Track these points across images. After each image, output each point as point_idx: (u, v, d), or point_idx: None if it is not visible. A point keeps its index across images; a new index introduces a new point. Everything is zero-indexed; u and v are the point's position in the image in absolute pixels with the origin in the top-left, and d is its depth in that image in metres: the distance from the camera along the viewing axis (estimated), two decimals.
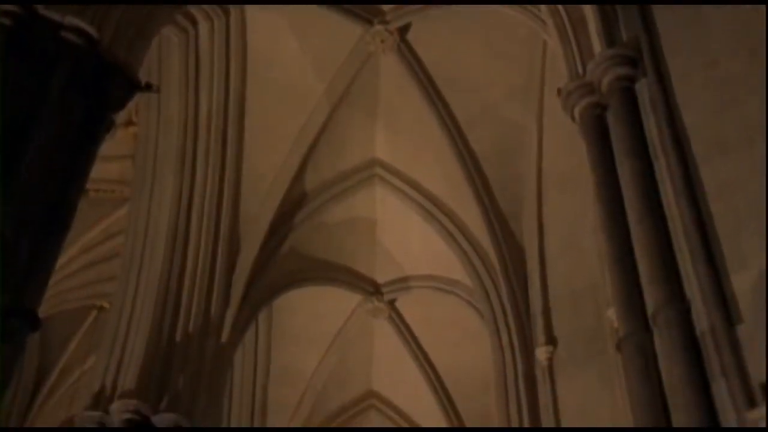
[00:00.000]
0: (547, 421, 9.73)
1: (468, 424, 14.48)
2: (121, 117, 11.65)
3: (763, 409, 4.65)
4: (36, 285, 5.94)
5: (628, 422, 8.27)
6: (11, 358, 5.67)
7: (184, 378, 9.91)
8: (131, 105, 11.66)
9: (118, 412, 9.21)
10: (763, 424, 4.62)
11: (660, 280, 5.74)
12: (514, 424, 10.06)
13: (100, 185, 12.63)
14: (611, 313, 8.63)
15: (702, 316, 5.34)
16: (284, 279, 12.38)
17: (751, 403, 4.77)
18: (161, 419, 9.42)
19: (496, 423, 11.61)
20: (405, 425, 15.36)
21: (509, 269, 11.25)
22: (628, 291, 6.05)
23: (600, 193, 6.80)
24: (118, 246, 11.92)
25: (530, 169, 11.12)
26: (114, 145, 11.63)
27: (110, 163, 12.21)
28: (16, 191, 5.78)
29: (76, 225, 10.95)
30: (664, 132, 6.27)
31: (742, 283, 5.20)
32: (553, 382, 9.97)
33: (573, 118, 7.29)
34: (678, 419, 5.18)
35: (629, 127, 6.60)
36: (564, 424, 9.55)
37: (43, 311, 6.17)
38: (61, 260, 12.27)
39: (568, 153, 10.21)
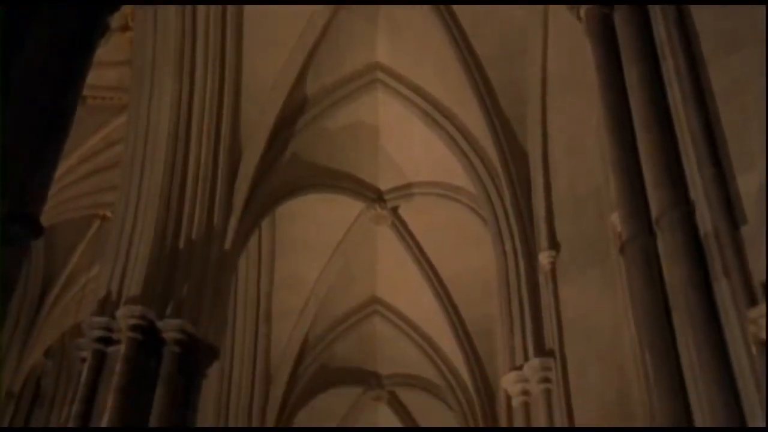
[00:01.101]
0: (549, 326, 9.83)
1: (470, 330, 14.67)
2: (116, 21, 11.47)
3: (763, 306, 4.68)
4: (37, 191, 5.91)
5: (629, 327, 8.40)
6: (16, 263, 5.70)
7: (188, 285, 9.99)
8: (126, 9, 11.48)
9: (124, 317, 9.32)
10: (763, 322, 4.65)
11: (664, 184, 5.71)
12: (517, 329, 10.16)
13: (98, 92, 12.54)
14: (614, 218, 8.62)
15: (706, 218, 5.32)
16: (286, 186, 12.36)
17: (752, 302, 4.79)
18: (166, 325, 9.54)
19: (498, 329, 11.77)
20: (409, 331, 15.57)
21: (512, 174, 11.17)
22: (632, 194, 6.02)
23: (605, 96, 6.70)
24: (118, 154, 11.87)
25: (534, 72, 10.92)
26: (111, 50, 11.51)
27: (107, 69, 12.10)
28: (13, 98, 5.72)
29: (75, 133, 10.94)
30: (672, 31, 6.12)
31: (747, 184, 5.16)
32: (555, 286, 10.02)
33: (579, 18, 7.13)
34: (679, 319, 5.22)
35: (636, 27, 6.45)
36: (566, 329, 9.63)
37: (45, 220, 6.18)
38: (62, 169, 12.29)
39: (573, 55, 10.03)
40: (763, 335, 4.65)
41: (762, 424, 4.50)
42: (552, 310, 9.81)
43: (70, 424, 8.75)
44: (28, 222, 5.67)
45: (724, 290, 5.00)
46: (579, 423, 8.89)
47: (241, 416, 14.27)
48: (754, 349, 4.72)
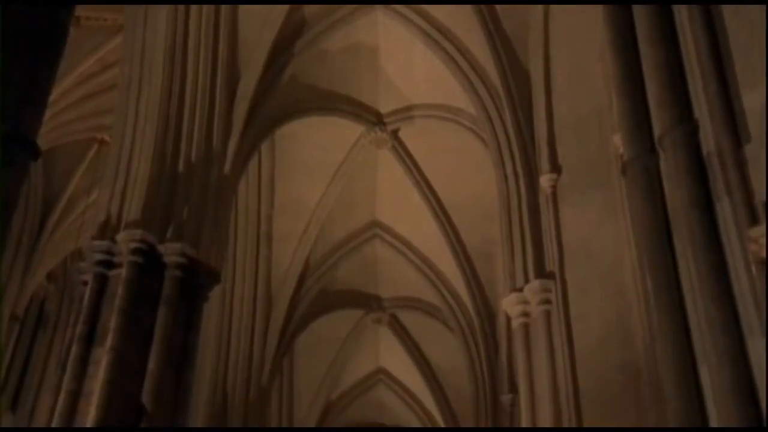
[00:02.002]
0: (549, 249, 9.84)
1: (470, 253, 14.74)
2: None
3: (764, 226, 4.65)
4: (33, 112, 5.88)
5: (630, 249, 8.41)
6: (15, 185, 5.69)
7: (188, 208, 9.99)
8: None
9: (125, 241, 9.34)
10: (763, 241, 4.64)
11: (668, 102, 5.64)
12: (517, 251, 10.17)
13: (92, 13, 12.30)
14: (617, 139, 8.56)
15: (709, 137, 5.26)
16: (286, 108, 12.25)
17: (753, 221, 4.76)
18: (167, 248, 9.56)
19: (498, 251, 11.81)
20: (409, 254, 15.63)
21: (514, 96, 11.03)
22: (635, 114, 5.96)
23: (609, 12, 6.58)
24: (115, 77, 11.73)
25: None
26: None
27: None
28: (3, 19, 5.65)
29: (70, 56, 10.77)
30: None
31: (752, 101, 5.08)
32: (556, 209, 9.99)
33: None
34: (680, 238, 5.21)
35: None
36: (567, 253, 9.64)
37: (43, 144, 6.16)
38: (58, 92, 12.15)
39: None
40: (764, 254, 4.63)
41: (761, 342, 4.52)
42: (552, 232, 9.80)
43: (74, 346, 8.84)
44: (25, 144, 5.66)
45: (725, 209, 4.97)
46: (578, 344, 8.96)
47: (243, 338, 14.43)
48: (754, 269, 4.71)
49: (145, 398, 8.67)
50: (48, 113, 9.84)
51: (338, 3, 11.77)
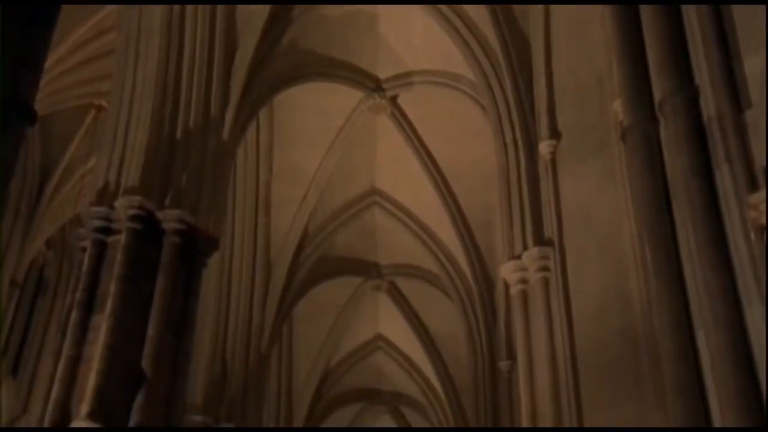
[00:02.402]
0: (548, 216, 9.83)
1: (469, 220, 14.75)
2: None
3: (764, 192, 4.62)
4: (29, 77, 5.84)
5: (629, 216, 8.41)
6: (12, 150, 5.67)
7: (187, 175, 9.96)
8: None
9: (123, 208, 9.33)
10: (763, 208, 4.61)
11: (669, 69, 5.57)
12: (516, 219, 10.17)
13: None
14: (617, 106, 8.52)
15: (710, 103, 5.20)
16: (284, 75, 12.19)
17: (753, 187, 4.73)
18: (166, 215, 9.55)
19: (497, 219, 11.80)
20: (408, 222, 15.63)
21: (513, 62, 10.95)
22: (636, 80, 5.90)
23: None
24: (111, 42, 11.63)
25: None
26: None
27: None
28: None
29: (66, 21, 10.66)
30: None
31: (753, 66, 5.03)
32: (555, 176, 9.96)
33: None
34: (679, 206, 5.18)
35: None
36: (565, 220, 9.63)
37: (40, 110, 6.10)
38: (55, 57, 12.04)
39: None
40: (763, 220, 4.60)
41: (760, 310, 4.51)
42: (551, 199, 9.78)
43: (74, 312, 8.87)
44: (22, 109, 5.62)
45: (725, 176, 4.92)
46: (576, 311, 8.98)
47: (242, 304, 14.47)
48: (753, 236, 4.69)
49: (145, 364, 8.71)
50: (45, 79, 9.78)
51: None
